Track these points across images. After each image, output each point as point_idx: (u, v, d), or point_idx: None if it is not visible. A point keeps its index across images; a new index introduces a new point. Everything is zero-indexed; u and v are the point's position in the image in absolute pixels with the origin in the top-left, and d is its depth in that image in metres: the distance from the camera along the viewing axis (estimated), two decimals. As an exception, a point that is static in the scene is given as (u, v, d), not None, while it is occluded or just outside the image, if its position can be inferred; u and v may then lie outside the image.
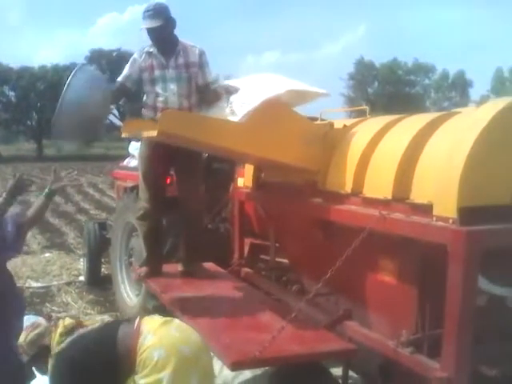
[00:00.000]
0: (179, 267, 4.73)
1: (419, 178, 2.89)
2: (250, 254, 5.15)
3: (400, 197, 2.96)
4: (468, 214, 2.56)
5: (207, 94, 4.34)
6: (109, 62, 50.82)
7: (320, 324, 3.37)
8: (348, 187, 3.35)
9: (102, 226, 7.62)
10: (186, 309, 3.77)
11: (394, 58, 63.96)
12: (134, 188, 5.51)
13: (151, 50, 4.42)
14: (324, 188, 3.60)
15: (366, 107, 5.96)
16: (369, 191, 3.19)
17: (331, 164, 3.57)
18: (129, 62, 4.48)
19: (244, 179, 4.60)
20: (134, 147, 6.52)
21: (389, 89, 57.28)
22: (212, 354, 2.97)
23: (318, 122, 4.56)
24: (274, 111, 3.60)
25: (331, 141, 3.71)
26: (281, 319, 3.26)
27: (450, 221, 2.57)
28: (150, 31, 4.30)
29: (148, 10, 4.23)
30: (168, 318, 2.90)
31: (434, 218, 2.66)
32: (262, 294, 4.24)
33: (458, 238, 2.49)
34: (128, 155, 7.36)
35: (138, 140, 6.09)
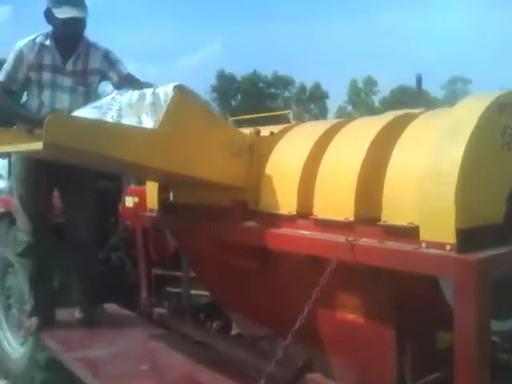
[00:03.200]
0: (76, 313, 3.85)
1: (392, 194, 2.36)
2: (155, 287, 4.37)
3: (367, 217, 2.43)
4: (466, 237, 2.07)
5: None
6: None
7: (276, 380, 2.67)
8: (291, 207, 2.77)
9: None
10: (98, 372, 2.96)
11: (254, 70, 65.27)
12: (5, 215, 4.48)
13: (47, 43, 3.49)
14: (257, 209, 2.98)
15: (289, 111, 5.43)
16: (322, 212, 2.62)
17: (263, 180, 2.98)
18: (13, 55, 3.50)
19: (148, 201, 3.80)
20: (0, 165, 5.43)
21: (251, 102, 57.80)
22: None
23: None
24: (192, 113, 2.90)
25: (259, 152, 3.10)
26: (225, 379, 2.55)
27: (448, 247, 2.07)
28: (69, 23, 3.38)
29: None
30: None
31: (424, 244, 2.15)
32: (189, 344, 3.45)
33: (466, 269, 1.99)
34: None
35: (4, 157, 5.08)
